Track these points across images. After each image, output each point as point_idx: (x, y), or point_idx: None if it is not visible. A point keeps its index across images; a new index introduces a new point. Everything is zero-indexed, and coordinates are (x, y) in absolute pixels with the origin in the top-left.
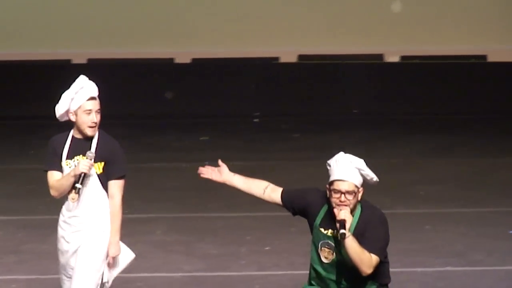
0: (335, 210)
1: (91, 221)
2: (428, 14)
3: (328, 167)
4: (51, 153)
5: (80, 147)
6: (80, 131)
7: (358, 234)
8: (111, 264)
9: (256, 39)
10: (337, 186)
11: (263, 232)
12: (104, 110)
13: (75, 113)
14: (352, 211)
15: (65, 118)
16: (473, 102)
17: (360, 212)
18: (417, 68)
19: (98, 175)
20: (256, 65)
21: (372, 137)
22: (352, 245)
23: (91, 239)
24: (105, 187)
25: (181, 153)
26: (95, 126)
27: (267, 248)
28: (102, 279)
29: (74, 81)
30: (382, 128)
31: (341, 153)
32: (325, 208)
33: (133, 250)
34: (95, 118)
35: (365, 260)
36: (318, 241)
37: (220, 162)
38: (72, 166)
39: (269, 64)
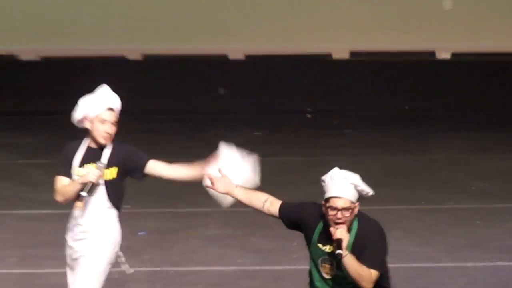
0: (331, 229)
1: (93, 231)
2: (479, 10)
3: (323, 183)
4: (63, 159)
5: (93, 156)
6: (94, 140)
7: (357, 249)
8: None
9: (308, 36)
10: (333, 203)
11: None
12: (159, 105)
13: (91, 121)
14: (349, 227)
15: (82, 125)
16: None
17: (357, 226)
18: (468, 65)
19: (107, 183)
20: (309, 62)
21: (421, 132)
22: (350, 263)
23: (93, 250)
24: (112, 197)
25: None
26: (108, 136)
27: None
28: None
29: (129, 76)
30: (431, 124)
31: (336, 169)
32: (321, 224)
33: (186, 244)
34: (110, 129)
35: (365, 276)
36: (317, 257)
37: (222, 172)
38: (82, 174)
39: (321, 61)
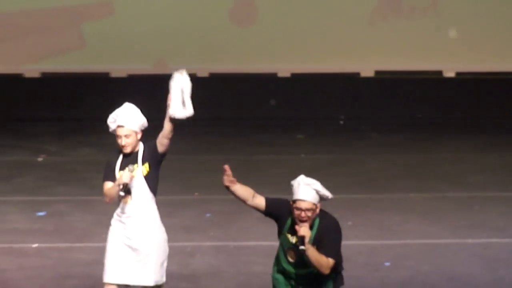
0: (296, 227)
1: (142, 219)
2: (477, 38)
3: (292, 187)
4: (107, 167)
5: (129, 160)
6: None
7: (318, 241)
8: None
9: (341, 58)
10: (299, 204)
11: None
12: (225, 114)
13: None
14: (311, 223)
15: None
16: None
17: (318, 223)
18: (469, 82)
19: (145, 178)
20: (342, 78)
21: (430, 136)
22: (312, 254)
23: (149, 237)
24: (151, 188)
25: (283, 148)
26: (124, 147)
27: (349, 223)
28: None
29: (199, 89)
30: (438, 129)
31: (302, 176)
32: (290, 219)
33: (243, 224)
34: (123, 141)
35: (323, 264)
36: (285, 245)
37: (226, 167)
38: (127, 174)
39: (352, 78)
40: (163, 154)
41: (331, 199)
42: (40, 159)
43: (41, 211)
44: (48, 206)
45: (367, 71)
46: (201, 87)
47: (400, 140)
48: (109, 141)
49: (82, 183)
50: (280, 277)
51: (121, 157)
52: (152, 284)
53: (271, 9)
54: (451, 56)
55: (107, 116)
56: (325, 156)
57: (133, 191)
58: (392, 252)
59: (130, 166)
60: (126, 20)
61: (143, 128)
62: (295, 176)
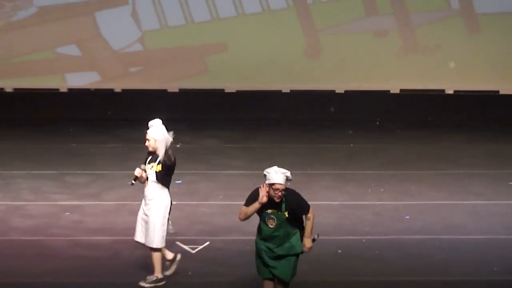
0: (306, 246)
1: (152, 200)
2: (469, 68)
3: (267, 174)
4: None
5: (152, 158)
6: None
7: (291, 208)
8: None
9: (377, 79)
10: (276, 187)
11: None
12: (301, 116)
13: None
14: (281, 197)
15: None
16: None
17: (285, 197)
18: (464, 97)
19: (156, 173)
20: (377, 93)
21: (436, 132)
22: (309, 230)
23: (154, 211)
24: (159, 180)
25: (339, 139)
26: (146, 144)
27: (381, 189)
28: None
29: (286, 102)
30: (442, 128)
31: (275, 167)
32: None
33: (310, 191)
34: (146, 142)
35: (313, 220)
36: (264, 216)
37: (266, 187)
38: (148, 169)
39: (384, 93)
40: (170, 167)
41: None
42: (178, 145)
43: (178, 180)
44: (183, 177)
45: (395, 89)
46: (284, 99)
47: (416, 135)
48: (226, 134)
49: (204, 162)
50: (261, 243)
51: (150, 154)
52: (150, 245)
53: (330, 48)
54: (451, 79)
55: (219, 118)
56: (366, 146)
57: (148, 179)
58: (410, 209)
59: (143, 166)
60: (234, 53)
61: (162, 137)
62: (348, 157)
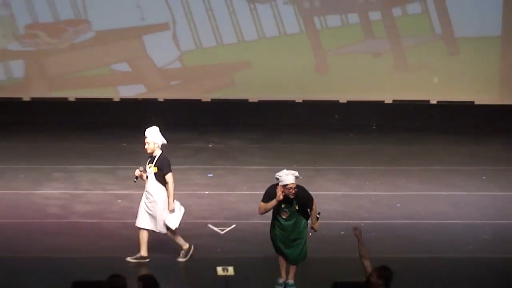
0: (289, 196)
1: (151, 195)
2: (449, 82)
3: (279, 177)
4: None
5: (150, 159)
6: None
7: (301, 202)
8: (171, 214)
9: (374, 91)
10: (289, 186)
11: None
12: (310, 121)
13: None
14: (295, 194)
15: None
16: None
17: (296, 192)
18: (444, 106)
19: (155, 173)
20: (374, 104)
21: (422, 136)
22: (314, 216)
23: (157, 205)
24: (157, 178)
25: (341, 141)
26: (145, 147)
27: (378, 182)
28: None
29: (299, 111)
30: (430, 131)
31: (285, 170)
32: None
33: (319, 186)
34: (146, 145)
35: (316, 210)
36: (278, 210)
37: (280, 195)
38: (147, 168)
39: (379, 103)
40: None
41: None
42: (210, 145)
43: (210, 173)
44: (214, 171)
45: (388, 100)
46: (297, 107)
47: (406, 137)
48: (249, 136)
49: (231, 159)
50: (278, 232)
51: (149, 157)
52: (156, 230)
53: (336, 66)
54: (435, 92)
55: (244, 123)
56: (364, 146)
57: (148, 177)
58: (400, 198)
59: (141, 167)
60: (256, 70)
61: (159, 142)
62: (349, 156)
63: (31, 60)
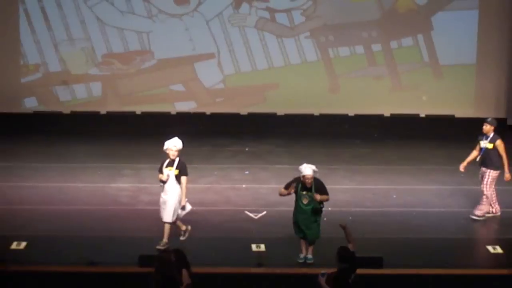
0: (316, 196)
1: (169, 190)
2: (439, 100)
3: (300, 169)
4: (161, 164)
5: (170, 162)
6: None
7: (318, 190)
8: (183, 207)
9: (376, 106)
10: (307, 176)
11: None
12: (327, 132)
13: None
14: (311, 184)
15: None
16: None
17: (314, 183)
18: (432, 120)
19: (175, 175)
20: (375, 117)
21: (414, 142)
22: (321, 197)
23: (170, 198)
24: (177, 179)
25: (352, 146)
26: (171, 154)
27: (374, 188)
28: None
29: (318, 123)
30: (416, 140)
31: (305, 164)
32: (300, 184)
33: (329, 182)
34: (171, 152)
35: (326, 198)
36: (300, 196)
37: (284, 192)
38: (168, 170)
39: (380, 117)
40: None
41: (318, 171)
42: (246, 149)
43: (246, 171)
44: (249, 169)
45: (387, 114)
46: (315, 119)
47: (400, 144)
48: (277, 141)
49: (263, 159)
50: (299, 216)
51: (167, 160)
52: (165, 220)
53: (346, 87)
54: (423, 107)
55: (273, 131)
56: (367, 150)
57: (169, 178)
58: (396, 191)
59: (166, 170)
60: (283, 90)
61: (180, 149)
62: (356, 158)
63: (106, 82)
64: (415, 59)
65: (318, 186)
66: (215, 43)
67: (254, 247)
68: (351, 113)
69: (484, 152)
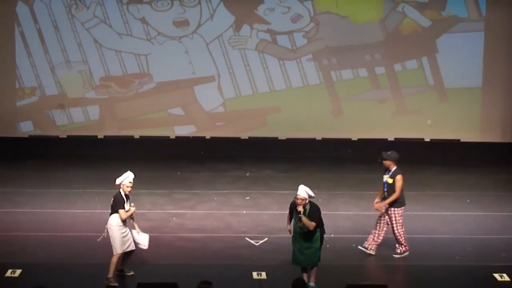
0: (298, 207)
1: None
2: (442, 125)
3: (297, 190)
4: (118, 200)
5: (127, 198)
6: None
7: (311, 217)
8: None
9: (379, 131)
10: (298, 197)
11: None
12: (325, 154)
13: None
14: (304, 207)
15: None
16: None
17: (308, 207)
18: (439, 143)
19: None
20: (379, 141)
21: (415, 166)
22: (304, 220)
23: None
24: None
25: (352, 167)
26: (130, 190)
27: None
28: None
29: (320, 147)
30: (418, 163)
31: (302, 185)
32: (295, 209)
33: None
34: (130, 188)
35: (310, 225)
36: (295, 217)
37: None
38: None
39: (383, 141)
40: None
41: (315, 196)
42: (248, 174)
43: (247, 197)
44: (250, 195)
45: (391, 138)
46: (317, 144)
47: (405, 168)
48: (279, 167)
49: (264, 185)
50: (296, 243)
51: (123, 195)
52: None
53: (348, 110)
54: (428, 132)
55: (275, 156)
56: (372, 175)
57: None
58: None
59: (130, 206)
60: (285, 114)
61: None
62: (360, 183)
63: (104, 105)
64: (419, 82)
65: (311, 210)
66: (215, 66)
67: (255, 274)
68: (354, 137)
69: (386, 187)
